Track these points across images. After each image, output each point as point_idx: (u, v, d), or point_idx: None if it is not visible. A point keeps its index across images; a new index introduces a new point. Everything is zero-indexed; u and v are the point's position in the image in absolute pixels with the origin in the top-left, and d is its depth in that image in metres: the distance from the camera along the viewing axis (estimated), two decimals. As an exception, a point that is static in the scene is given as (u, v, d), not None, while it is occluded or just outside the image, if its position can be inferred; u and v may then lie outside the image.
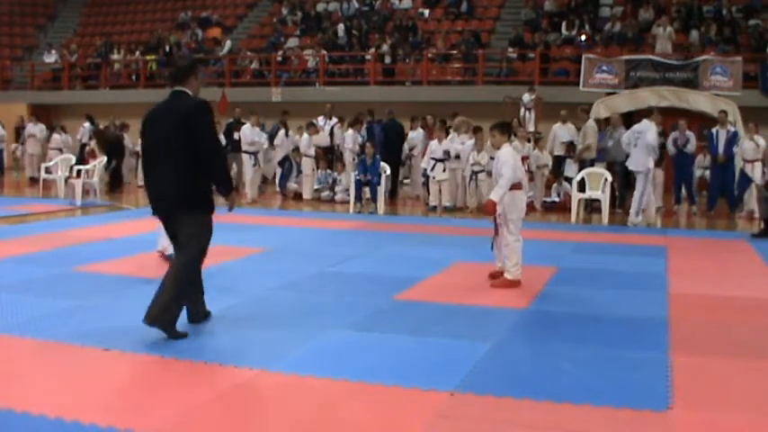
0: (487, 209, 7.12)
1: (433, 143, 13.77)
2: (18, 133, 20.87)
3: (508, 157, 6.94)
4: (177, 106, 5.21)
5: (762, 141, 12.69)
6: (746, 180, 12.69)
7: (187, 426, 3.80)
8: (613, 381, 4.43)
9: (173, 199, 5.17)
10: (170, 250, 8.19)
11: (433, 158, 13.54)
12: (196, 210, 5.20)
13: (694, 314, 6.17)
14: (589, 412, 3.95)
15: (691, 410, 4.02)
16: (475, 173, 13.02)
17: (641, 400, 4.09)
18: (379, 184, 13.16)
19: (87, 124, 18.41)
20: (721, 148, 12.96)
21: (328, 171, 15.26)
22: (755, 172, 12.46)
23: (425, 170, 13.83)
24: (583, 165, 13.21)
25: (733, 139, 12.96)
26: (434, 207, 13.49)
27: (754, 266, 8.50)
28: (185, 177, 5.11)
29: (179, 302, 5.19)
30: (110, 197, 15.31)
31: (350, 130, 15.33)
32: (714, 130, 13.20)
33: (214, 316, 5.67)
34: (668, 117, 13.96)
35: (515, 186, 6.98)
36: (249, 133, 14.55)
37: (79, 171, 14.50)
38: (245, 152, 14.62)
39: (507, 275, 6.99)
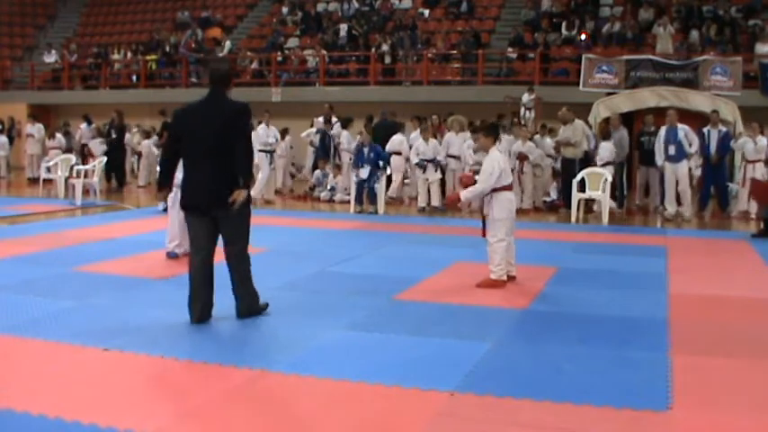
0: (449, 200, 7.31)
1: (420, 143, 13.43)
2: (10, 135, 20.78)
3: (492, 165, 6.92)
4: (222, 108, 5.45)
5: (763, 141, 12.62)
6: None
7: (187, 426, 3.80)
8: (613, 381, 4.43)
9: (219, 194, 5.33)
10: (172, 248, 8.24)
11: (423, 159, 13.25)
12: (243, 205, 5.47)
13: (694, 314, 6.17)
14: (589, 412, 3.96)
15: (691, 410, 4.02)
16: (474, 173, 12.95)
17: (641, 400, 4.09)
18: (377, 181, 12.99)
19: (84, 125, 18.37)
20: (713, 148, 12.87)
21: (325, 170, 15.25)
22: (756, 172, 12.41)
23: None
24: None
25: (725, 139, 12.86)
26: (423, 208, 13.23)
27: (754, 266, 8.50)
28: (232, 174, 5.35)
29: (252, 282, 5.69)
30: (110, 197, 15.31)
31: (344, 131, 15.29)
32: (706, 130, 12.93)
33: (215, 316, 5.64)
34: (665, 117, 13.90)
35: (504, 188, 6.99)
36: (263, 133, 14.34)
37: (79, 171, 14.50)
38: (261, 151, 14.20)
39: (491, 275, 6.99)
